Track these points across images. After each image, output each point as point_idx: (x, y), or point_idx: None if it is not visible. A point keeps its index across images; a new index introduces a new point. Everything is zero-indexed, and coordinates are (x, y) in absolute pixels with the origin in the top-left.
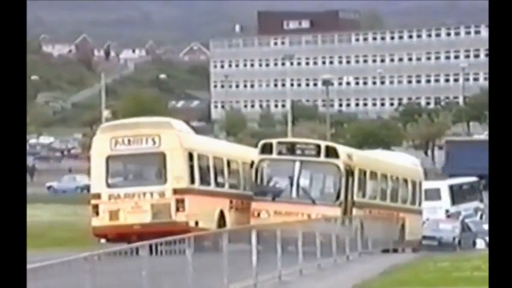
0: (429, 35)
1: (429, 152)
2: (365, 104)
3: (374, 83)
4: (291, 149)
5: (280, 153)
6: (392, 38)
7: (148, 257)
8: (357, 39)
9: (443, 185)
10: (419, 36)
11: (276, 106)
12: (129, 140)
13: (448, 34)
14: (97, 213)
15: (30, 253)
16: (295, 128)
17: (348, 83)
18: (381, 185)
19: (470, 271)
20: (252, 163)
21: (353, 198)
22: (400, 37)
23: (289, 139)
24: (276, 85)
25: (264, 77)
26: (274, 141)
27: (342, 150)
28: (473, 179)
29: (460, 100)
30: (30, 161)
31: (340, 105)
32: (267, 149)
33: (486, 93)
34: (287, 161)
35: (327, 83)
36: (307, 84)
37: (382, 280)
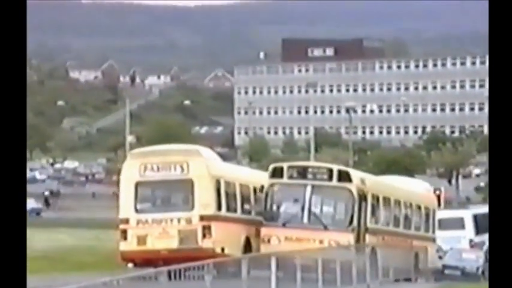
0: (454, 64)
1: (453, 181)
2: (388, 132)
3: (398, 110)
4: (302, 173)
5: (291, 177)
6: (416, 66)
7: (167, 282)
8: (381, 67)
9: (467, 214)
10: (443, 64)
11: (300, 133)
12: (158, 167)
13: (473, 63)
14: (125, 238)
15: (53, 277)
16: (318, 155)
17: (372, 111)
18: (394, 211)
19: None
20: (262, 187)
21: (366, 224)
22: (425, 65)
23: (301, 163)
24: (299, 112)
25: (288, 104)
26: (285, 165)
27: (355, 174)
28: None
29: (485, 129)
30: (55, 185)
31: (364, 132)
32: (277, 172)
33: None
34: (298, 185)
35: (350, 110)
36: (331, 112)
37: None
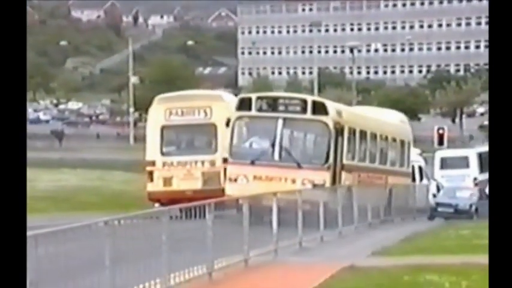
0: (460, 1)
1: (457, 120)
2: (393, 72)
3: (403, 50)
4: (273, 104)
5: (260, 109)
6: (422, 3)
7: (169, 222)
8: (386, 5)
9: (471, 153)
10: (449, 1)
11: (303, 73)
12: (182, 111)
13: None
14: (152, 179)
15: (56, 216)
16: (322, 95)
17: (376, 50)
18: (370, 146)
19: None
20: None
21: (342, 160)
22: (430, 3)
23: (271, 93)
24: (303, 52)
25: (292, 44)
26: (253, 95)
27: (331, 105)
28: None
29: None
30: (59, 126)
31: (368, 72)
32: (245, 104)
33: None
34: (268, 118)
35: (354, 49)
36: (335, 51)
37: (402, 247)
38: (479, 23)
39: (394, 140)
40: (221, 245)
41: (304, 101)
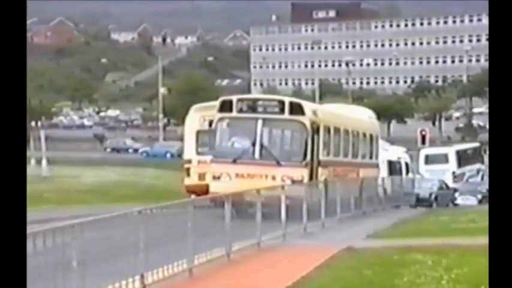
0: (437, 22)
1: (436, 123)
2: (382, 82)
3: (390, 63)
4: (253, 106)
5: (241, 110)
6: (406, 25)
7: (193, 211)
8: (376, 27)
9: (450, 150)
10: (429, 23)
11: (306, 84)
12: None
13: (454, 21)
14: (188, 175)
15: (98, 207)
16: (322, 102)
17: (368, 64)
18: (343, 141)
19: (466, 223)
20: (211, 122)
21: (319, 157)
22: (413, 24)
23: (251, 95)
24: (306, 66)
25: (296, 59)
26: (234, 97)
27: (307, 106)
28: (477, 144)
29: (464, 78)
30: (100, 130)
31: (361, 83)
32: (226, 106)
33: (486, 72)
34: (249, 119)
35: (349, 64)
36: (333, 65)
37: (391, 231)
38: (453, 41)
39: (364, 134)
40: (237, 232)
41: (282, 102)
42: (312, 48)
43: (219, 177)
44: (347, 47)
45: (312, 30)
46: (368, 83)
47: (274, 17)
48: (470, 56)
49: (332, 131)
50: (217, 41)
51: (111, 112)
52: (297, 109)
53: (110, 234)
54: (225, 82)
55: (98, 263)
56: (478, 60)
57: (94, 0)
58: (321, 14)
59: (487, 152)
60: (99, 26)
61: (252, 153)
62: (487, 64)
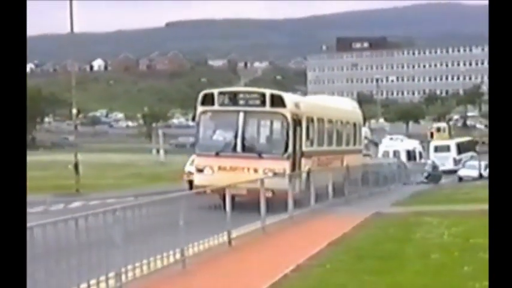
0: (441, 51)
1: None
2: (402, 94)
3: (408, 80)
4: (234, 99)
5: (222, 104)
6: (419, 53)
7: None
8: (398, 54)
9: (452, 142)
10: (435, 52)
11: (347, 95)
12: None
13: (453, 51)
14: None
15: (144, 188)
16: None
17: (392, 81)
18: (327, 131)
19: (462, 195)
20: (194, 117)
21: (301, 148)
22: (424, 52)
23: (232, 88)
24: (347, 82)
25: (340, 78)
26: (215, 91)
27: (289, 98)
28: (470, 138)
29: (461, 91)
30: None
31: (387, 94)
32: (208, 99)
33: (477, 87)
34: (230, 112)
35: (378, 80)
36: (366, 82)
37: (409, 200)
38: (453, 65)
39: (348, 123)
40: (273, 209)
41: (263, 95)
42: (351, 69)
43: (202, 170)
44: (377, 68)
45: (351, 56)
46: (392, 94)
47: (324, 47)
48: (465, 76)
49: (316, 122)
50: (284, 64)
51: None
52: (278, 101)
53: (157, 212)
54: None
55: (142, 239)
56: (470, 78)
57: (197, 38)
58: (358, 45)
59: (478, 144)
60: (200, 56)
61: (234, 146)
62: (478, 81)
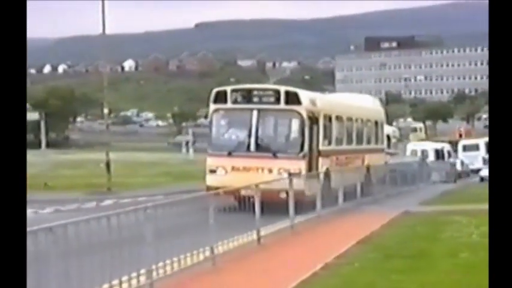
0: (470, 50)
1: (470, 122)
2: (431, 93)
3: (436, 79)
4: (248, 96)
5: (235, 101)
6: (447, 52)
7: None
8: (426, 53)
9: (481, 141)
10: (464, 51)
11: (375, 94)
12: None
13: (482, 50)
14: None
15: (173, 187)
16: (387, 108)
17: (420, 80)
18: (346, 129)
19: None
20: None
21: (318, 147)
22: (453, 51)
23: (245, 85)
24: (375, 81)
25: (368, 77)
26: (228, 88)
27: (305, 95)
28: None
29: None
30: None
31: (415, 93)
32: (221, 97)
33: None
34: (243, 110)
35: (407, 80)
36: (395, 81)
37: (438, 199)
38: (482, 64)
39: (369, 121)
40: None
41: (277, 92)
42: (380, 69)
43: (214, 171)
44: (405, 67)
45: (380, 56)
46: (420, 93)
47: (352, 47)
48: None
49: (334, 120)
50: (312, 64)
51: None
52: (293, 98)
53: (184, 211)
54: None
55: (170, 238)
56: None
57: (226, 39)
58: (386, 45)
59: None
60: (229, 56)
61: (247, 145)
62: None
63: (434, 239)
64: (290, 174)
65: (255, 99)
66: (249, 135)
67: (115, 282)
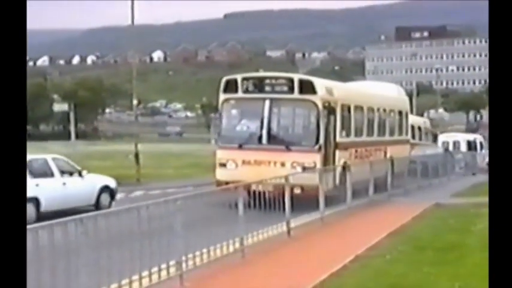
0: None
1: None
2: (463, 83)
3: (469, 69)
4: (259, 85)
5: (246, 90)
6: (480, 41)
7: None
8: (458, 43)
9: None
10: None
11: (406, 85)
12: None
13: None
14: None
15: (200, 179)
16: (418, 99)
17: (452, 70)
18: (367, 120)
19: None
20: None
21: (336, 139)
22: (486, 41)
23: (257, 73)
24: (406, 72)
25: (399, 68)
26: (239, 76)
27: (320, 83)
28: None
29: None
30: None
31: (447, 84)
32: (231, 86)
33: None
34: (255, 99)
35: (438, 70)
36: (426, 71)
37: (470, 191)
38: None
39: (392, 111)
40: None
41: (291, 80)
42: (411, 59)
43: (224, 165)
44: (436, 58)
45: (411, 46)
46: (452, 84)
47: (382, 37)
48: None
49: (353, 110)
50: (342, 55)
51: None
52: (307, 87)
53: (213, 201)
54: None
55: (198, 227)
56: None
57: (255, 29)
58: (417, 35)
59: None
60: (258, 47)
61: (259, 137)
62: None
63: (466, 232)
64: (304, 168)
65: (267, 88)
66: (261, 127)
67: (145, 273)
